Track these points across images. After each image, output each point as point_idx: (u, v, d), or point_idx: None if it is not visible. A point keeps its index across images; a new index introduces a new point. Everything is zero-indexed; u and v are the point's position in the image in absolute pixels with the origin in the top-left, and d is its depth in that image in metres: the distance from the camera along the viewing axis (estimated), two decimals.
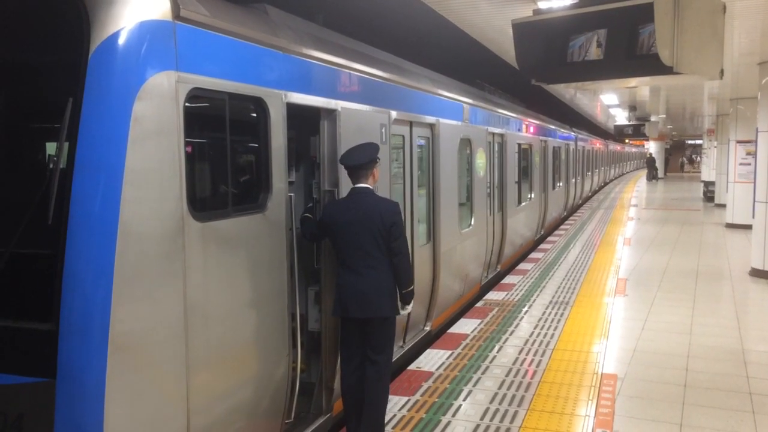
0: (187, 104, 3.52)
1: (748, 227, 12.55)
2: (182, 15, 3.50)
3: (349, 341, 4.82)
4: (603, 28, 5.77)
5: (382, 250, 4.71)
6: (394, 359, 6.66)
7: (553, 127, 18.28)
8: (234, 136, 4.02)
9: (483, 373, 6.20)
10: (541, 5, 6.39)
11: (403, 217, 6.85)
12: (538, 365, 6.40)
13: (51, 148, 3.43)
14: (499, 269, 11.40)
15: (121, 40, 3.21)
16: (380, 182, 6.07)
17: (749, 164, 15.32)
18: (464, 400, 5.59)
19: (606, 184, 39.07)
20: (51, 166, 3.19)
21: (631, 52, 5.63)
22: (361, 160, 4.80)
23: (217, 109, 3.90)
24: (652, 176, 44.90)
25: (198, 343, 3.61)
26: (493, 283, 10.61)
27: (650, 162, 45.87)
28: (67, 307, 3.06)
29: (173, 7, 3.45)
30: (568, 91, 17.26)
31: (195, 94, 3.60)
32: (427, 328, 7.73)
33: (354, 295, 4.66)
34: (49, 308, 3.09)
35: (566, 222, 19.36)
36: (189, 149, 3.63)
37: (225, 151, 3.97)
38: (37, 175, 3.61)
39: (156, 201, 3.33)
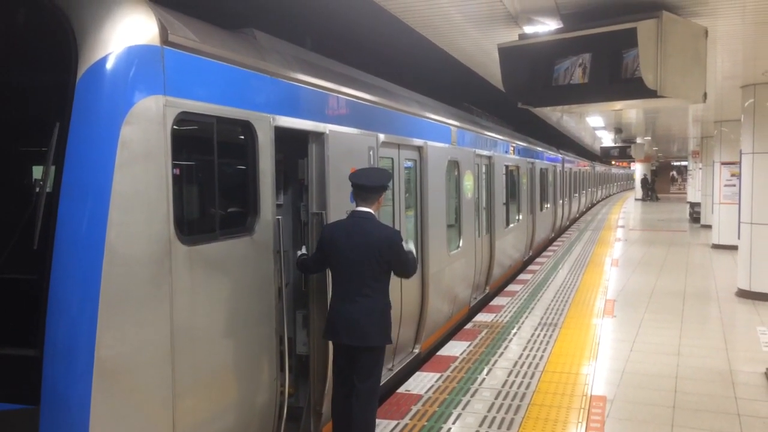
0: (174, 128, 3.52)
1: (734, 248, 12.64)
2: (170, 40, 3.52)
3: (341, 366, 4.77)
4: (587, 53, 5.85)
5: (380, 280, 4.64)
6: (382, 382, 6.63)
7: (540, 149, 18.42)
8: (222, 160, 4.03)
9: (472, 396, 6.17)
10: (527, 30, 6.46)
11: None
12: (527, 387, 6.38)
13: (37, 171, 3.42)
14: (487, 291, 11.40)
15: (109, 65, 3.22)
16: None
17: (734, 185, 15.47)
18: (454, 423, 5.55)
19: (593, 205, 39.30)
20: (37, 189, 3.17)
21: (615, 76, 5.71)
22: (377, 182, 4.71)
23: (205, 132, 3.91)
24: (647, 196, 45.24)
25: (185, 367, 3.57)
26: (482, 305, 10.60)
27: (644, 182, 46.26)
28: (52, 332, 3.03)
29: (161, 32, 3.47)
30: (555, 114, 17.41)
31: (183, 118, 3.61)
32: (416, 351, 7.70)
33: (346, 321, 4.60)
34: (33, 334, 3.06)
35: (554, 243, 19.42)
36: (176, 173, 3.63)
37: (213, 175, 3.97)
38: (23, 198, 3.59)
39: (143, 224, 3.32)
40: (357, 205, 4.76)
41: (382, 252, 4.58)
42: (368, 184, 4.68)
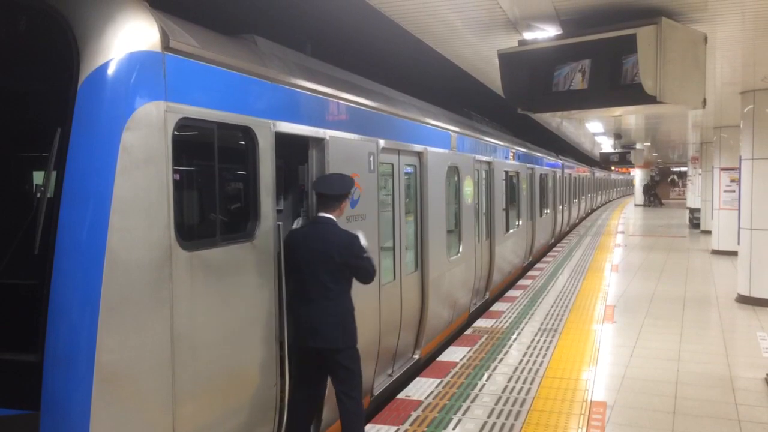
0: (175, 134, 3.53)
1: (734, 254, 12.64)
2: (172, 46, 3.53)
3: (306, 370, 4.82)
4: (587, 59, 5.88)
5: (339, 282, 4.71)
6: (382, 388, 6.64)
7: (539, 154, 18.44)
8: (222, 165, 4.04)
9: (472, 402, 6.16)
10: (527, 36, 6.48)
11: (392, 244, 6.88)
12: (527, 393, 6.37)
13: (38, 177, 3.43)
14: (487, 296, 11.39)
15: (111, 71, 3.23)
16: (369, 209, 6.11)
17: (733, 191, 15.48)
18: (454, 429, 5.55)
19: (593, 210, 39.31)
20: (38, 195, 3.18)
21: (614, 82, 5.73)
22: (337, 191, 4.81)
23: (205, 138, 3.92)
24: (650, 201, 45.10)
25: (185, 372, 3.57)
26: (481, 311, 10.59)
27: (648, 187, 46.15)
28: (53, 337, 3.03)
29: (163, 38, 3.48)
30: (554, 119, 17.44)
31: (184, 124, 3.62)
32: (416, 357, 7.70)
33: (306, 324, 4.67)
34: (33, 339, 3.06)
35: (554, 249, 19.42)
36: (177, 178, 3.63)
37: (213, 181, 3.98)
38: (24, 204, 3.59)
39: (143, 230, 3.33)
40: (318, 211, 4.86)
41: (339, 254, 4.66)
42: (329, 193, 4.79)
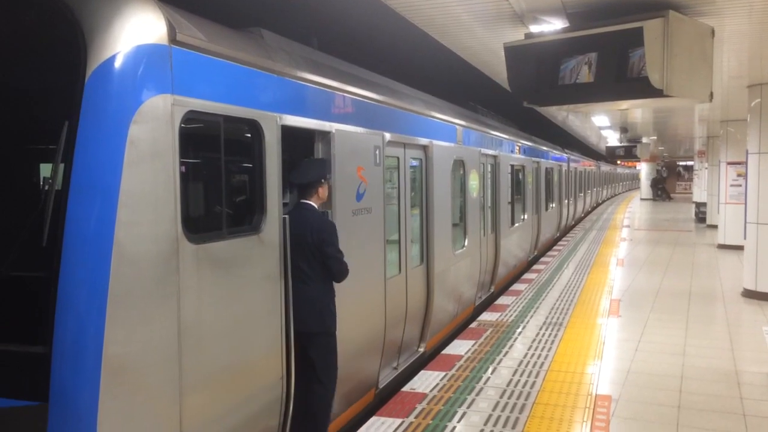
0: (182, 127, 3.54)
1: (740, 248, 12.61)
2: (178, 39, 3.54)
3: (299, 354, 4.89)
4: (593, 52, 5.85)
5: (313, 267, 4.83)
6: (387, 381, 6.66)
7: (545, 148, 18.40)
8: (229, 159, 4.05)
9: (477, 395, 6.17)
10: (533, 29, 6.47)
11: (398, 237, 6.89)
12: (532, 386, 6.38)
13: (45, 170, 3.44)
14: (492, 290, 11.40)
15: (118, 64, 3.24)
16: (374, 203, 6.11)
17: (740, 185, 15.43)
18: (458, 422, 5.56)
19: (598, 205, 39.23)
20: (46, 188, 3.19)
21: (621, 76, 5.71)
22: (312, 177, 4.96)
23: (212, 131, 3.93)
24: (657, 195, 44.85)
25: (192, 365, 3.59)
26: (486, 304, 10.60)
27: (656, 181, 45.87)
28: (61, 329, 3.05)
29: (169, 31, 3.49)
30: (560, 113, 17.40)
31: (190, 117, 3.63)
32: (421, 350, 7.72)
33: (295, 308, 4.74)
34: (42, 331, 3.08)
35: (559, 242, 19.40)
36: (184, 171, 3.64)
37: (220, 174, 3.99)
38: (32, 197, 3.61)
39: (151, 223, 3.34)
40: (298, 198, 5.06)
41: (311, 236, 4.80)
42: (302, 182, 4.96)
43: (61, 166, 3.15)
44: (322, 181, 5.03)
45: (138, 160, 3.26)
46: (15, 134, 3.63)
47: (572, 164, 24.53)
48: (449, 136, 8.71)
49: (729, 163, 16.53)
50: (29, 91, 3.45)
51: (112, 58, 3.23)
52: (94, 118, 3.17)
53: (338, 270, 4.94)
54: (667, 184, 50.33)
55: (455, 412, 5.76)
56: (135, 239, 3.24)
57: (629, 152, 24.68)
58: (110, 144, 3.17)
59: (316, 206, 5.00)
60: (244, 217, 4.30)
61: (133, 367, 3.23)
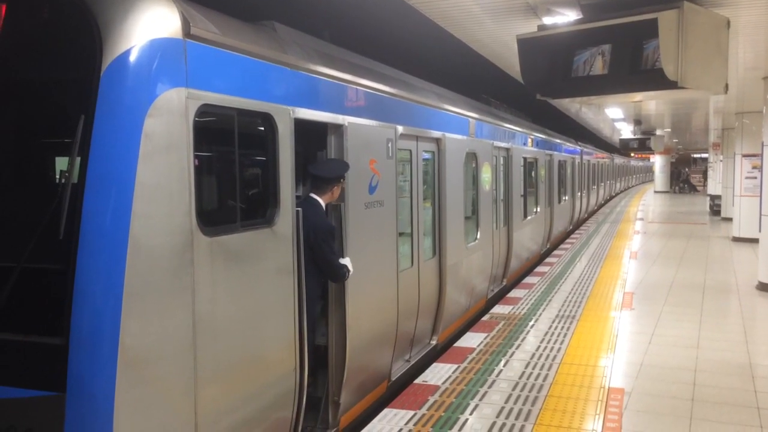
0: (196, 120, 3.57)
1: (755, 241, 12.52)
2: (192, 33, 3.56)
3: None
4: (607, 43, 5.82)
5: (308, 262, 4.79)
6: (400, 373, 6.69)
7: (558, 140, 18.31)
8: (242, 152, 4.07)
9: (489, 387, 6.18)
10: (546, 21, 6.43)
11: (410, 230, 6.91)
12: (545, 379, 6.39)
13: (62, 163, 3.48)
14: (505, 283, 11.39)
15: (133, 58, 3.26)
16: (387, 196, 6.12)
17: (755, 178, 15.30)
18: (471, 414, 5.58)
19: (611, 197, 39.01)
20: (63, 181, 3.23)
21: (635, 67, 5.67)
22: (332, 173, 4.97)
23: (226, 124, 3.95)
24: (681, 189, 44.25)
25: (206, 356, 3.63)
26: (499, 297, 10.59)
27: (678, 174, 45.33)
28: (77, 321, 3.09)
29: (184, 25, 3.51)
30: (574, 105, 17.31)
31: (204, 110, 3.65)
32: (434, 342, 7.73)
33: None
34: (59, 323, 3.12)
35: (572, 236, 19.33)
36: (198, 164, 3.67)
37: (233, 167, 4.01)
38: (48, 190, 3.65)
39: (165, 216, 3.37)
40: (310, 192, 5.05)
41: (308, 236, 4.78)
42: (323, 175, 4.96)
43: (78, 159, 3.18)
44: (341, 180, 5.04)
45: (153, 153, 3.28)
46: (31, 128, 3.67)
47: (585, 157, 24.39)
48: (462, 128, 8.69)
49: (744, 156, 16.39)
50: (45, 86, 3.49)
51: (128, 52, 3.26)
52: (109, 111, 3.20)
53: (329, 272, 4.96)
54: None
55: (467, 405, 5.77)
56: (150, 232, 3.27)
57: (643, 144, 24.54)
58: (126, 137, 3.20)
59: (323, 204, 5.00)
60: (258, 210, 4.33)
61: (149, 359, 3.27)
